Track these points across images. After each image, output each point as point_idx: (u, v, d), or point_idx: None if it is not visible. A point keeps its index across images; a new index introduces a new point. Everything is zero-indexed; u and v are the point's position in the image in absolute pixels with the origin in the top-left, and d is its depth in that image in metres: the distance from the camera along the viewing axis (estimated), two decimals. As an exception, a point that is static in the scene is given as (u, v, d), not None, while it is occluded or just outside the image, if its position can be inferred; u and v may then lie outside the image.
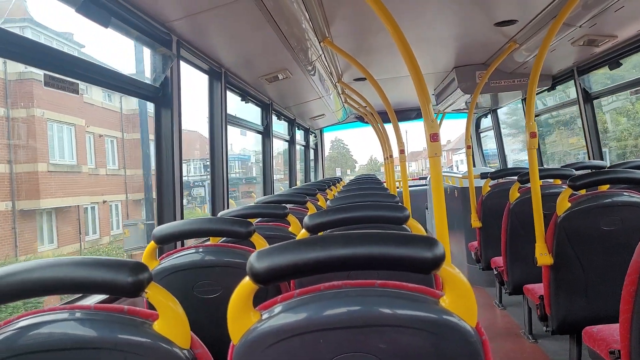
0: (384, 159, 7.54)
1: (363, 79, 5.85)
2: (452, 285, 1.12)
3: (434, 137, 2.18)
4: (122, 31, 2.49)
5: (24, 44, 1.84)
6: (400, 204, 2.43)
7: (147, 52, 2.94)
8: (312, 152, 9.78)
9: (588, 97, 5.14)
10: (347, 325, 1.12)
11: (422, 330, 1.11)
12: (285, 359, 1.13)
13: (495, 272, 4.44)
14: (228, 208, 3.89)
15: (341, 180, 8.29)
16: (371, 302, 1.14)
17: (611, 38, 4.09)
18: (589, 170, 3.57)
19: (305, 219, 1.99)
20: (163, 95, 2.92)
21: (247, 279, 1.14)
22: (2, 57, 1.79)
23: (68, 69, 2.09)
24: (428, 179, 8.81)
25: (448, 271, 1.12)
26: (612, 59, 4.52)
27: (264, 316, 1.16)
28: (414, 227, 2.25)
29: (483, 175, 5.48)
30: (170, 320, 1.18)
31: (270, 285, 1.16)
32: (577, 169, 4.11)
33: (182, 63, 3.12)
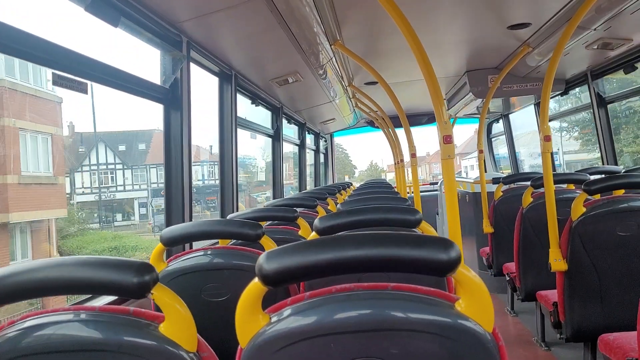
0: (395, 164, 7.50)
1: (374, 83, 5.82)
2: (467, 288, 1.08)
3: (447, 139, 2.14)
4: (131, 31, 2.47)
5: (32, 43, 1.83)
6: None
7: (156, 53, 2.92)
8: (322, 156, 9.75)
9: (602, 102, 5.08)
10: (359, 329, 1.09)
11: (437, 335, 1.07)
12: None
13: (508, 278, 4.38)
14: (237, 211, 3.87)
15: (351, 184, 8.25)
16: (384, 306, 1.10)
17: (626, 41, 4.03)
18: (603, 176, 3.51)
19: (316, 222, 1.96)
20: (173, 97, 2.90)
21: (256, 280, 1.10)
22: (9, 55, 1.77)
23: (77, 68, 2.07)
24: (439, 183, 8.74)
25: (464, 274, 1.08)
26: (627, 63, 4.46)
27: (273, 319, 1.12)
28: (426, 230, 2.20)
29: (495, 181, 5.43)
30: (177, 323, 1.15)
31: (279, 287, 1.13)
32: (591, 174, 4.05)
33: (191, 65, 3.10)
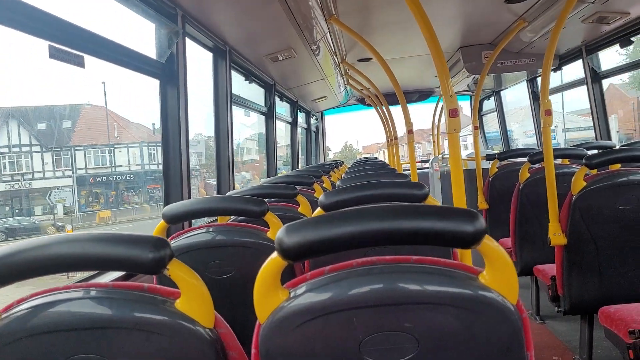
0: (388, 141, 7.48)
1: (367, 60, 5.77)
2: (493, 260, 1.06)
3: (453, 113, 2.12)
4: (126, 2, 2.40)
5: (28, 12, 1.76)
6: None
7: (151, 27, 2.84)
8: (313, 134, 9.70)
9: (596, 77, 5.07)
10: (381, 303, 1.06)
11: (461, 308, 1.05)
12: (316, 338, 1.08)
13: None
14: (234, 189, 3.83)
15: (343, 163, 8.23)
16: (407, 279, 1.08)
17: (623, 15, 4.01)
18: (599, 150, 3.51)
19: (321, 198, 1.93)
20: (169, 72, 2.84)
21: (275, 255, 1.07)
22: (4, 25, 1.70)
23: (73, 41, 2.01)
24: (430, 161, 8.75)
25: (489, 245, 1.06)
26: (623, 37, 4.44)
27: (293, 294, 1.09)
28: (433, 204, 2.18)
29: (489, 157, 5.43)
30: (193, 298, 1.12)
31: (300, 261, 1.10)
32: (587, 149, 4.05)
33: (187, 42, 3.03)
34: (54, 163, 17.24)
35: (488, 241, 1.05)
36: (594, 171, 3.06)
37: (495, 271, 1.06)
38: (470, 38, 5.39)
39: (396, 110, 6.05)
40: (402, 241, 1.04)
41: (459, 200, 2.18)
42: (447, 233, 1.02)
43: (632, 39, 4.39)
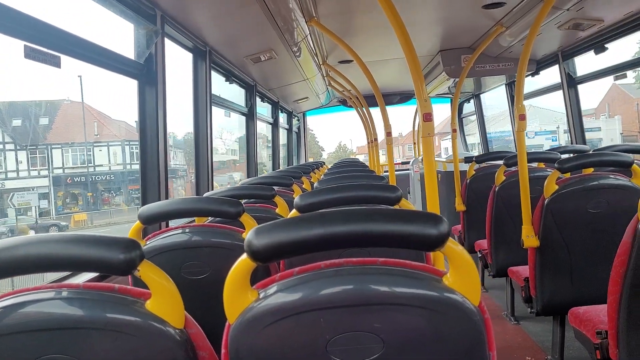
0: (368, 143, 7.52)
1: (348, 62, 5.80)
2: (456, 263, 1.09)
3: (427, 117, 2.15)
4: (104, 2, 2.39)
5: (2, 12, 1.75)
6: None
7: (129, 27, 2.84)
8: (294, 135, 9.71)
9: (572, 82, 5.17)
10: (348, 303, 1.09)
11: (425, 309, 1.08)
12: (284, 338, 1.10)
13: (479, 255, 4.46)
14: (212, 189, 3.83)
15: (324, 164, 8.26)
16: (373, 280, 1.10)
17: (597, 22, 4.10)
18: (572, 155, 3.58)
19: (297, 199, 1.95)
20: (147, 73, 2.83)
21: (244, 256, 1.09)
22: None
23: (49, 41, 2.00)
24: (411, 162, 8.81)
25: (452, 248, 1.09)
26: (598, 43, 4.54)
27: (262, 295, 1.11)
28: (406, 207, 2.22)
29: (467, 159, 5.49)
30: (164, 299, 1.14)
31: (269, 263, 1.12)
32: (561, 153, 4.13)
33: (166, 42, 3.03)
34: (28, 162, 16.04)
35: (452, 244, 1.08)
36: (568, 175, 3.13)
37: (459, 273, 1.10)
38: (450, 42, 5.46)
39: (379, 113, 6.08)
40: (368, 243, 1.07)
41: (433, 203, 2.21)
42: (411, 236, 1.05)
43: (606, 45, 4.49)
